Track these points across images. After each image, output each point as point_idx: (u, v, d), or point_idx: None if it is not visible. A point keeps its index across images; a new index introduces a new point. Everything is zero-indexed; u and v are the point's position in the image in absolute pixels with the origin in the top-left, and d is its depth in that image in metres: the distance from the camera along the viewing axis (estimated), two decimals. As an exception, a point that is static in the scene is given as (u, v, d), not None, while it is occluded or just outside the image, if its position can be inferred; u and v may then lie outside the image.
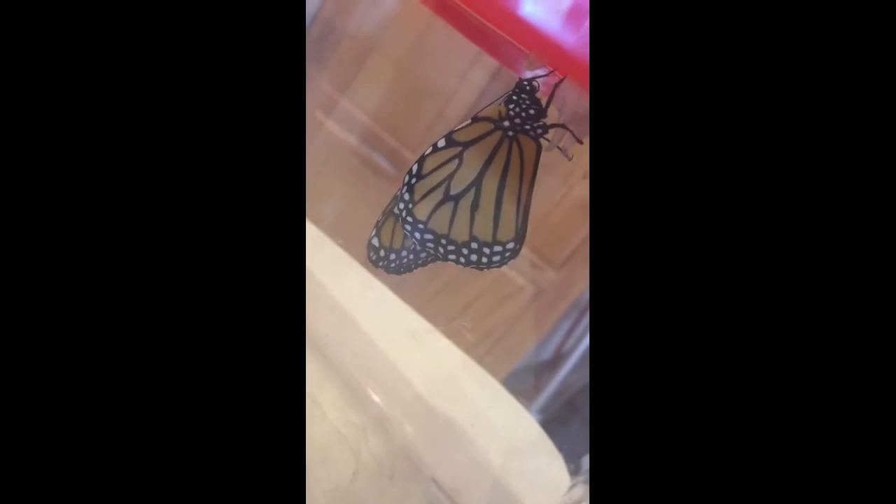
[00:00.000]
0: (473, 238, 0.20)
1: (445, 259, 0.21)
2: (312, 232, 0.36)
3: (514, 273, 0.54)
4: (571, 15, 0.20)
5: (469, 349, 0.37)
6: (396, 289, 0.36)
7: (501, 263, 0.21)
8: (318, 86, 0.51)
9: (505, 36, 0.22)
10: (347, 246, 0.37)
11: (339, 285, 0.34)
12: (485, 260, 0.21)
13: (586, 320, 0.61)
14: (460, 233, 0.20)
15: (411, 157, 0.52)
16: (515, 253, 0.20)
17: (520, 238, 0.20)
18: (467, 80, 0.53)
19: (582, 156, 0.22)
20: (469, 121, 0.20)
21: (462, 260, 0.21)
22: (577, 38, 0.20)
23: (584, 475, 0.30)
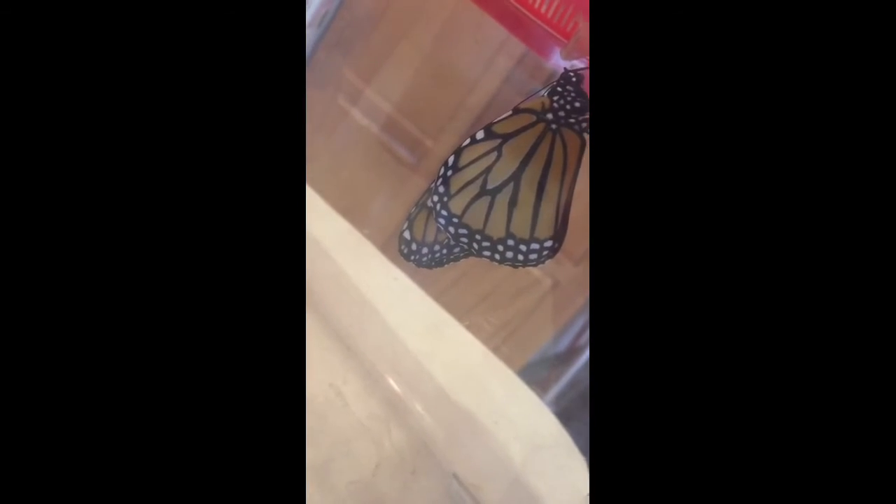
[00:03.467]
0: (510, 234, 0.20)
1: (480, 255, 0.21)
2: (338, 222, 0.35)
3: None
4: None
5: (486, 339, 0.37)
6: (414, 277, 0.36)
7: (538, 262, 0.20)
8: (343, 74, 0.50)
9: (538, 21, 0.22)
10: (372, 236, 0.36)
11: (364, 276, 0.34)
12: (521, 258, 0.20)
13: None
14: (496, 229, 0.20)
15: (433, 146, 0.51)
16: (554, 252, 0.20)
17: (559, 236, 0.20)
18: (491, 68, 0.52)
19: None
20: (510, 112, 0.20)
21: (497, 257, 0.20)
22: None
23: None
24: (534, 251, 0.20)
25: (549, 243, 0.20)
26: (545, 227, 0.20)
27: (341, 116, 0.50)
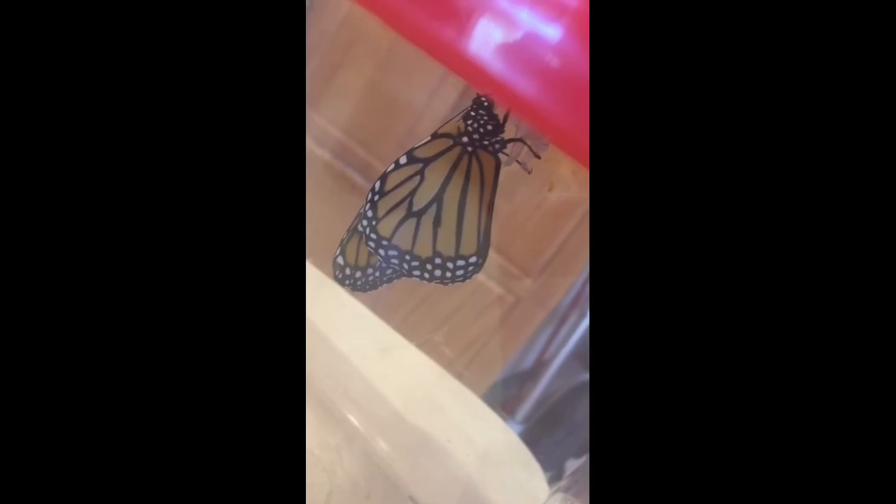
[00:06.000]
0: (437, 253, 0.21)
1: (410, 275, 0.21)
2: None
3: (492, 283, 0.54)
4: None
5: (448, 364, 0.37)
6: (374, 306, 0.36)
7: (465, 278, 0.21)
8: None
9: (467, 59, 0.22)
10: (320, 264, 0.36)
11: (312, 303, 0.34)
12: (448, 275, 0.21)
13: (566, 328, 0.61)
14: (423, 248, 0.21)
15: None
16: (479, 267, 0.21)
17: (482, 252, 0.20)
18: (438, 95, 0.53)
19: (546, 168, 0.22)
20: (429, 137, 0.21)
21: (427, 276, 0.21)
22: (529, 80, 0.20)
23: (565, 481, 0.30)
24: (460, 267, 0.21)
25: (473, 259, 0.21)
26: (469, 244, 0.20)
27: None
